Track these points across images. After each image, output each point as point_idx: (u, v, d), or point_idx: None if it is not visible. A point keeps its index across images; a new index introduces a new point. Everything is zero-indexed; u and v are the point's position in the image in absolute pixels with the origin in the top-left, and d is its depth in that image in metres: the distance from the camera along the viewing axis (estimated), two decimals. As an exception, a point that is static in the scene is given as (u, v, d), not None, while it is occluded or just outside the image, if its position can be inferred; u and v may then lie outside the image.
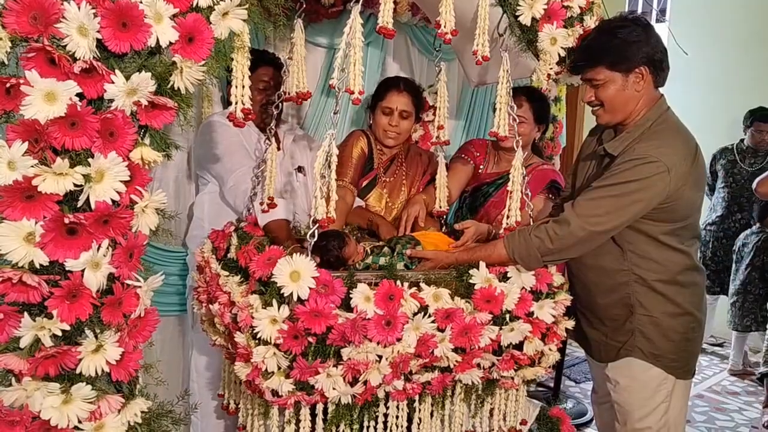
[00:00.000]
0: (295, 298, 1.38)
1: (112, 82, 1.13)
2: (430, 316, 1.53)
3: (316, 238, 1.47)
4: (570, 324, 1.77)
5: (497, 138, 1.83)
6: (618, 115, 1.74)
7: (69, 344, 1.14)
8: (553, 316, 1.72)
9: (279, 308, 1.39)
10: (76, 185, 1.11)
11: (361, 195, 2.23)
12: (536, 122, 2.33)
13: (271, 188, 1.87)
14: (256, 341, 1.41)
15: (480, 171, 2.43)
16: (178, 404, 1.42)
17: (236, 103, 1.45)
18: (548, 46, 1.80)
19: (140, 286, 1.20)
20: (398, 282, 1.51)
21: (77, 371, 1.15)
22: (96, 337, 1.16)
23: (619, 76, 1.70)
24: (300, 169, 2.24)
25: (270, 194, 1.88)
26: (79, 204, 1.13)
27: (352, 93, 1.48)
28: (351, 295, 1.45)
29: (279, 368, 1.41)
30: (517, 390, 1.81)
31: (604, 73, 1.71)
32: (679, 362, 1.80)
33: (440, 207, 2.15)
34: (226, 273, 1.60)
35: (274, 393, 1.42)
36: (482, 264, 1.66)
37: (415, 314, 1.51)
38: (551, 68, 1.85)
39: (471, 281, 1.63)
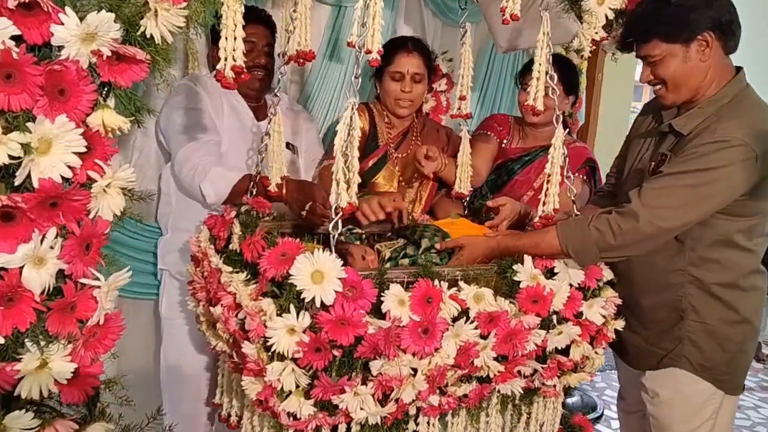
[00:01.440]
0: (317, 303, 1.14)
1: (62, 23, 0.86)
2: (472, 321, 1.30)
3: (340, 230, 1.22)
4: (620, 324, 1.56)
5: (533, 112, 1.58)
6: (684, 92, 1.49)
7: (3, 360, 0.90)
8: (603, 317, 1.51)
9: (298, 315, 1.15)
10: (12, 157, 0.85)
11: (368, 177, 1.94)
12: (566, 93, 2.09)
13: (281, 167, 1.61)
14: (270, 354, 1.17)
15: (504, 146, 2.19)
16: (151, 425, 1.18)
17: (225, 59, 1.18)
18: (595, 6, 1.55)
19: (99, 286, 0.94)
20: (436, 281, 1.27)
21: (15, 393, 0.91)
22: (41, 350, 0.91)
23: (678, 48, 1.45)
24: (289, 146, 1.95)
25: (281, 173, 1.62)
26: (18, 182, 0.87)
27: (370, 53, 1.24)
28: (382, 299, 1.21)
29: (297, 386, 1.18)
30: (556, 398, 1.60)
31: (660, 47, 1.47)
32: (731, 375, 1.58)
33: (461, 188, 1.91)
34: (230, 269, 1.35)
35: (292, 415, 1.19)
36: (527, 257, 1.43)
37: (455, 319, 1.29)
38: (596, 32, 1.60)
39: (515, 278, 1.40)
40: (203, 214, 1.65)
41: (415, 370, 1.26)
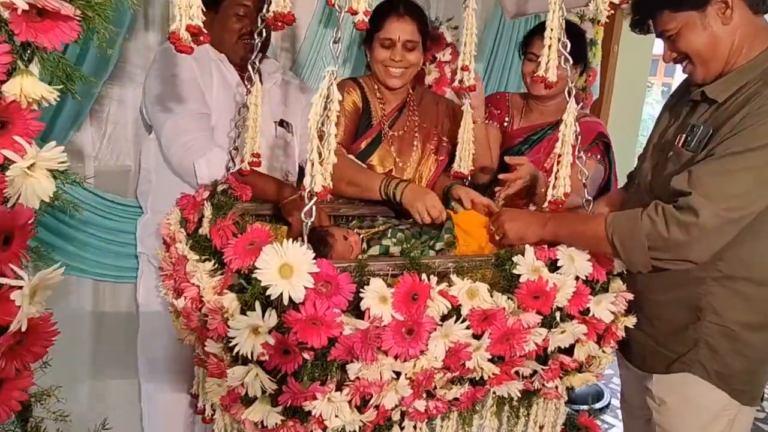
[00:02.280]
0: (285, 300, 1.00)
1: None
2: (464, 320, 1.16)
3: (313, 218, 1.08)
4: (631, 322, 1.41)
5: (545, 84, 1.42)
6: (713, 64, 1.31)
7: None
8: (613, 314, 1.36)
9: (264, 314, 1.01)
10: None
11: (362, 158, 1.79)
12: (574, 63, 1.91)
13: (256, 142, 1.46)
14: (233, 356, 1.04)
15: (506, 128, 2.02)
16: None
17: (180, 18, 1.03)
18: (614, -38, 1.40)
19: (21, 286, 0.81)
20: (423, 276, 1.13)
21: None
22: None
23: (693, 16, 1.28)
24: (283, 123, 1.80)
25: (254, 150, 1.47)
26: None
27: (355, 13, 1.11)
28: (361, 295, 1.07)
29: (264, 392, 1.05)
30: (558, 399, 1.46)
31: (673, 18, 1.30)
32: (750, 386, 1.41)
33: (461, 168, 1.75)
34: (196, 256, 1.21)
35: (258, 424, 1.07)
36: (528, 248, 1.28)
37: (444, 318, 1.15)
38: (616, -4, 1.44)
39: (515, 271, 1.25)
40: None
41: (398, 374, 1.14)
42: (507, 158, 1.67)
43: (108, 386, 1.94)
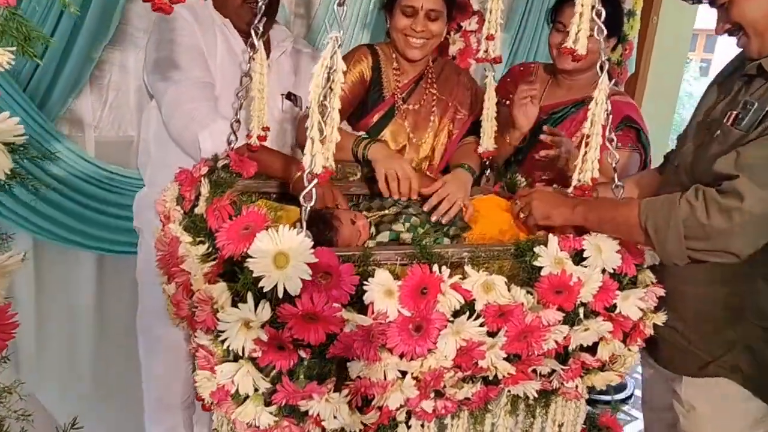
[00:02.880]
0: (280, 292, 0.91)
1: None
2: (477, 316, 1.06)
3: (313, 202, 0.98)
4: (661, 319, 1.29)
5: (573, 57, 1.28)
6: None
7: None
8: (641, 310, 1.25)
9: (256, 307, 0.92)
10: None
11: (372, 134, 1.66)
12: (608, 35, 1.75)
13: (264, 114, 1.35)
14: (224, 350, 0.96)
15: None
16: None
17: None
18: None
19: None
20: (435, 267, 1.03)
21: None
22: None
23: None
24: (290, 96, 1.69)
25: (263, 123, 1.37)
26: None
27: None
28: (365, 288, 0.98)
29: (256, 389, 0.96)
30: (578, 399, 1.36)
31: None
32: None
33: (484, 145, 1.63)
34: (189, 239, 1.12)
35: (251, 423, 0.99)
36: (552, 238, 1.17)
37: (456, 313, 1.05)
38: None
39: (536, 263, 1.14)
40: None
41: (404, 373, 1.04)
42: (546, 128, 1.54)
43: (111, 360, 1.90)
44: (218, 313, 0.94)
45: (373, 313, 0.97)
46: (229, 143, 1.37)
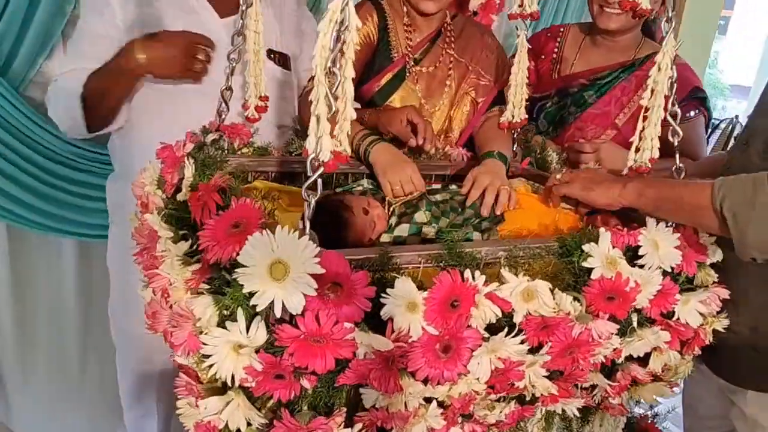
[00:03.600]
0: (278, 311, 0.72)
1: None
2: (518, 332, 0.88)
3: (319, 194, 0.78)
4: (723, 323, 1.12)
5: (636, 12, 1.07)
6: None
7: None
8: (702, 315, 1.07)
9: (249, 328, 0.74)
10: None
11: (379, 99, 1.46)
12: None
13: (260, 80, 1.15)
14: (210, 378, 0.78)
15: (556, 71, 1.67)
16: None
17: None
18: None
19: None
20: (467, 273, 0.84)
21: None
22: None
23: None
24: (272, 55, 1.42)
25: (260, 92, 1.16)
26: None
27: None
28: (383, 300, 0.79)
29: (249, 424, 0.79)
30: (623, 415, 1.20)
31: None
32: None
33: (513, 116, 1.42)
34: (169, 233, 0.94)
35: (243, 461, 0.82)
36: (603, 234, 0.98)
37: (491, 327, 0.87)
38: None
39: (585, 264, 0.96)
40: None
41: (428, 399, 0.87)
42: (572, 145, 1.34)
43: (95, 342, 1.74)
44: (202, 334, 0.76)
45: (392, 331, 0.78)
46: (220, 114, 1.17)
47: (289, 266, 0.72)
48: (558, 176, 1.20)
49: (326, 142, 0.74)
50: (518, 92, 1.39)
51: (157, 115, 1.32)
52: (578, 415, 1.07)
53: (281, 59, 1.45)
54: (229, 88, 1.15)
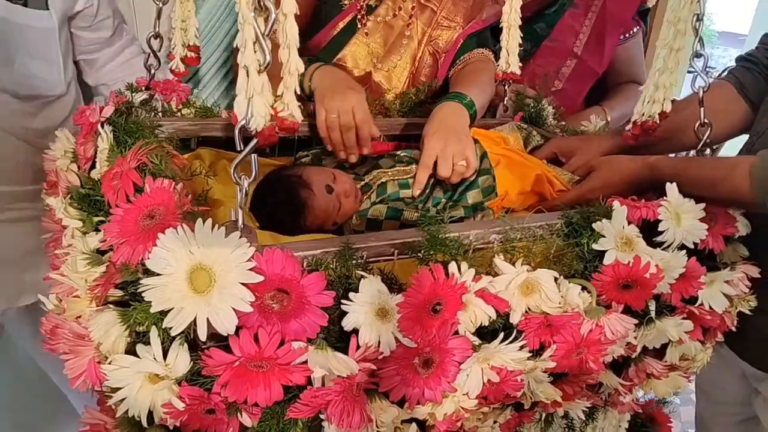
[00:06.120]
0: (201, 334, 0.54)
1: None
2: (516, 335, 0.71)
3: (254, 177, 0.59)
4: (750, 305, 0.96)
5: None
6: None
7: None
8: (728, 298, 0.90)
9: (166, 352, 0.56)
10: None
11: (327, 54, 1.21)
12: None
13: (189, 24, 0.94)
14: (123, 414, 0.60)
15: None
16: None
17: None
18: None
19: None
20: (452, 267, 0.66)
21: None
22: None
23: None
24: None
25: (189, 40, 0.95)
26: None
27: None
28: (344, 308, 0.61)
29: (178, 467, 0.62)
30: (631, 412, 1.05)
31: None
32: None
33: (510, 66, 1.22)
34: (78, 221, 0.74)
35: None
36: (618, 208, 0.80)
37: (483, 331, 0.70)
38: None
39: (595, 247, 0.78)
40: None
41: (408, 420, 0.71)
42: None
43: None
44: (107, 360, 0.58)
45: (356, 349, 0.61)
46: (148, 69, 0.96)
47: (215, 273, 0.54)
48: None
49: (259, 105, 0.55)
50: (511, 35, 1.18)
51: None
52: (583, 417, 0.92)
53: None
54: (157, 36, 0.93)
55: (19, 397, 1.46)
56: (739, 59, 1.06)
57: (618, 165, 0.95)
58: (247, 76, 0.55)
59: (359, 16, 1.21)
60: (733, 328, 0.95)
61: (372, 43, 1.22)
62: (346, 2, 1.21)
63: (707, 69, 0.94)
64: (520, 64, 1.23)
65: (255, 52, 0.54)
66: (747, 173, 0.79)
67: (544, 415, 0.94)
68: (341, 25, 1.20)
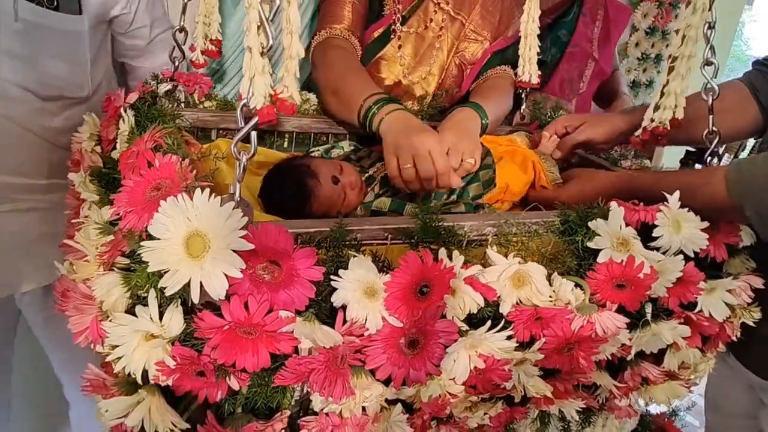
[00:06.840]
0: (194, 296, 0.58)
1: None
2: (504, 324, 0.73)
3: (253, 154, 0.63)
4: (755, 316, 0.95)
5: None
6: None
7: None
8: (730, 307, 0.90)
9: (163, 314, 0.60)
10: None
11: (366, 55, 1.24)
12: None
13: (211, 18, 0.99)
14: (121, 373, 0.64)
15: None
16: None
17: None
18: None
19: None
20: (441, 253, 0.68)
21: None
22: None
23: None
24: None
25: (212, 33, 1.00)
26: None
27: None
28: (333, 284, 0.64)
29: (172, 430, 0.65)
30: (630, 418, 1.04)
31: None
32: None
33: (524, 75, 1.24)
34: (95, 195, 0.79)
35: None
36: (615, 208, 0.81)
37: (472, 319, 0.72)
38: None
39: (590, 245, 0.79)
40: None
41: (393, 401, 0.73)
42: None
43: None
44: (108, 320, 0.62)
45: (343, 324, 0.64)
46: (173, 60, 1.01)
47: (210, 240, 0.58)
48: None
49: (259, 85, 0.58)
50: (529, 43, 1.21)
51: None
52: (577, 418, 0.92)
53: None
54: (182, 29, 0.98)
55: (39, 378, 1.50)
56: (755, 63, 1.06)
57: (596, 176, 0.98)
58: (251, 55, 0.58)
59: (393, 27, 1.23)
60: (735, 339, 0.94)
61: (404, 53, 1.25)
62: (386, 10, 1.23)
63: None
64: (539, 72, 1.25)
65: (257, 35, 0.57)
66: (723, 178, 0.79)
67: (538, 413, 0.95)
68: (376, 34, 1.24)
